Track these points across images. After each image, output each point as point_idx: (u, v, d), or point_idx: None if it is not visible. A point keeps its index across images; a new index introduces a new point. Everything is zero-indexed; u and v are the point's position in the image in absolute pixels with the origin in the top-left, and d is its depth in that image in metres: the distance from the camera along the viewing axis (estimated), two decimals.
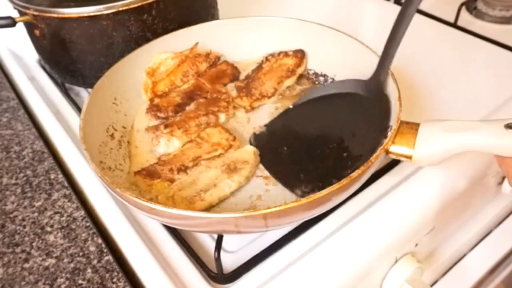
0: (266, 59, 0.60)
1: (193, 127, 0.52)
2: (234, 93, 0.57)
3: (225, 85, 0.58)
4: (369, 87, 0.50)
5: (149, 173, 0.47)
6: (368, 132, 0.46)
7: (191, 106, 0.55)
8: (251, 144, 0.51)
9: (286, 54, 0.59)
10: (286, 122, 0.53)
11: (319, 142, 0.49)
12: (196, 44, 0.59)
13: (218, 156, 0.48)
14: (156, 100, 0.55)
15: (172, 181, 0.46)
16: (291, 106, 0.55)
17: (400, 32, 0.45)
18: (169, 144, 0.50)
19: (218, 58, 0.61)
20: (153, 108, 0.54)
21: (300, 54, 0.59)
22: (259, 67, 0.59)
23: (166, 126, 0.51)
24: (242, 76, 0.60)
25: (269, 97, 0.56)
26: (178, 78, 0.58)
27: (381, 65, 0.48)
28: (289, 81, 0.58)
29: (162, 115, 0.53)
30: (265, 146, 0.50)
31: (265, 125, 0.53)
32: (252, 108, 0.56)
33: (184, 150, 0.49)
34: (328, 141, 0.49)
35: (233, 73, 0.60)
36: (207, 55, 0.60)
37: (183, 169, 0.47)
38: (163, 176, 0.47)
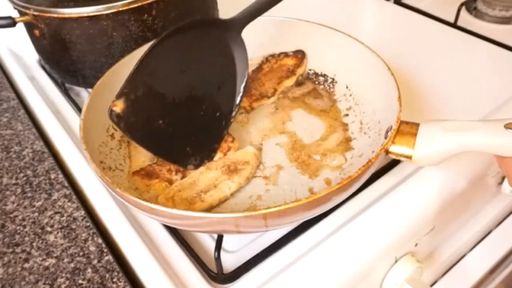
0: (266, 59, 0.60)
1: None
2: None
3: None
4: (227, 29, 0.47)
5: (147, 173, 0.47)
6: (229, 81, 0.46)
7: None
8: (119, 127, 0.44)
9: (286, 54, 0.60)
10: (147, 84, 0.46)
11: (191, 106, 0.47)
12: None
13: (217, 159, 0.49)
14: None
15: (170, 182, 0.47)
16: (144, 57, 0.45)
17: None
18: None
19: None
20: None
21: (300, 55, 0.59)
22: (259, 67, 0.59)
23: None
24: None
25: (269, 97, 0.56)
26: None
27: (249, 11, 0.47)
28: (289, 82, 0.58)
29: None
30: (137, 123, 0.45)
31: (122, 94, 0.44)
32: (252, 109, 0.56)
33: None
34: (199, 101, 0.47)
35: None
36: None
37: (181, 170, 0.47)
38: (161, 176, 0.47)
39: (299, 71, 0.58)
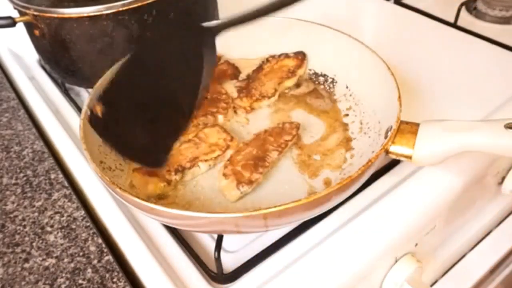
0: (267, 60, 0.60)
1: (190, 127, 0.52)
2: (234, 94, 0.57)
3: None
4: (203, 34, 0.49)
5: (148, 171, 0.47)
6: (192, 87, 0.48)
7: None
8: (97, 133, 0.47)
9: (286, 55, 0.59)
10: (128, 72, 0.50)
11: (157, 104, 0.49)
12: None
13: (216, 158, 0.48)
14: None
15: (169, 182, 0.47)
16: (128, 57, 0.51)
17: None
18: None
19: (218, 58, 0.61)
20: None
21: (300, 56, 0.59)
22: (260, 67, 0.59)
23: None
24: (242, 76, 0.60)
25: (269, 98, 0.56)
26: None
27: (226, 23, 0.48)
28: (289, 82, 0.58)
29: None
30: (111, 129, 0.48)
31: (100, 98, 0.48)
32: (252, 109, 0.56)
33: (182, 150, 0.49)
34: (165, 102, 0.49)
35: (234, 73, 0.60)
36: None
37: (181, 169, 0.47)
38: (160, 176, 0.47)
39: (300, 72, 0.58)
